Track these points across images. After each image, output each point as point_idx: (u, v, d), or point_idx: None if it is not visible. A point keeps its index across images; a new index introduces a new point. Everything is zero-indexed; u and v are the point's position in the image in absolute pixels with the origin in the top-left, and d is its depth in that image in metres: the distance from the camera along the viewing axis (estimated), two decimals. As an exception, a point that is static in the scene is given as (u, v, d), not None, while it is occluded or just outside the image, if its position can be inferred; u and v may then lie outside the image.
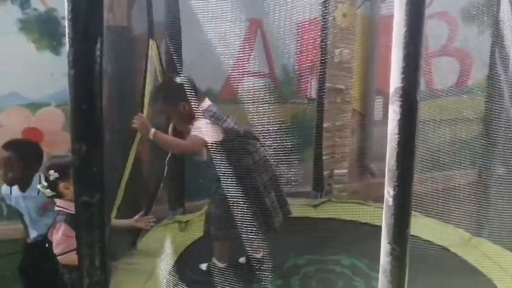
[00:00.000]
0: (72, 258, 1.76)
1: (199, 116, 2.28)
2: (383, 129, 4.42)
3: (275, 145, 4.09)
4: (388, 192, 1.02)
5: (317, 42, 3.85)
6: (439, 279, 2.07)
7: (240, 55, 3.89)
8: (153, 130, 2.22)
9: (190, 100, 2.24)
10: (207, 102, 2.46)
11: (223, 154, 2.32)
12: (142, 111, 2.64)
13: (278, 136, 4.08)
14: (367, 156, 4.44)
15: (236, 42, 3.80)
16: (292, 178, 4.29)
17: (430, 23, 4.20)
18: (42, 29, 3.24)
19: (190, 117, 2.32)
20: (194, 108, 2.26)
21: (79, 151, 1.48)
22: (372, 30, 4.07)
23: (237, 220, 2.19)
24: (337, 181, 3.90)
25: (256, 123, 4.01)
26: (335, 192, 3.77)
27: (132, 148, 2.72)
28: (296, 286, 2.12)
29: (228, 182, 2.29)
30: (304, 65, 4.07)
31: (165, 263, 2.18)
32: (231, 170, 2.31)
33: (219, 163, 2.37)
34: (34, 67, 3.23)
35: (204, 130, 2.26)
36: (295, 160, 4.21)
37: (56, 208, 1.84)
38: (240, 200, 2.25)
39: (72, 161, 1.74)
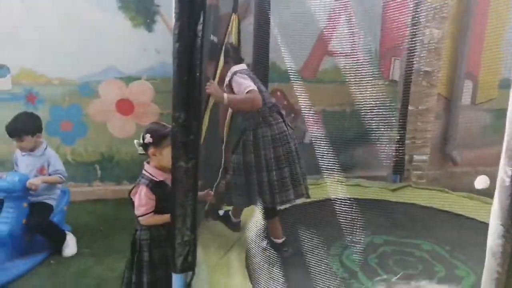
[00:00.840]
0: (151, 220, 1.95)
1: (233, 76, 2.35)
2: (470, 115, 4.17)
3: (352, 127, 4.06)
4: (506, 172, 0.95)
5: (404, 22, 3.70)
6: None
7: (324, 34, 3.88)
8: (225, 94, 2.30)
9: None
10: (242, 66, 2.49)
11: (246, 115, 2.40)
12: (214, 79, 2.71)
13: (356, 117, 4.05)
14: (450, 143, 4.23)
15: (321, 20, 3.79)
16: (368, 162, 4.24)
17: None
18: (138, 8, 3.46)
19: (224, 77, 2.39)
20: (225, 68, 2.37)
21: (178, 119, 1.60)
22: (466, 8, 3.80)
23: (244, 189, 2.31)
24: (416, 167, 3.77)
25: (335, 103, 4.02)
26: (413, 179, 3.65)
27: (206, 113, 2.81)
28: (373, 264, 2.12)
29: (241, 147, 2.38)
30: (387, 45, 3.96)
31: (251, 232, 2.29)
32: (246, 135, 2.38)
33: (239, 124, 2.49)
34: (129, 43, 3.48)
35: (246, 83, 2.27)
36: (372, 143, 4.17)
37: (143, 171, 1.99)
38: (248, 169, 2.31)
39: (170, 130, 1.91)
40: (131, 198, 1.98)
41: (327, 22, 3.77)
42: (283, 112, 2.59)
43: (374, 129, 4.13)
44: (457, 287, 1.92)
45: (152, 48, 3.53)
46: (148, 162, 2.01)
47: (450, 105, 4.12)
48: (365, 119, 4.05)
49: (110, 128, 3.65)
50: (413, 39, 3.11)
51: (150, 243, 1.97)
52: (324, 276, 1.97)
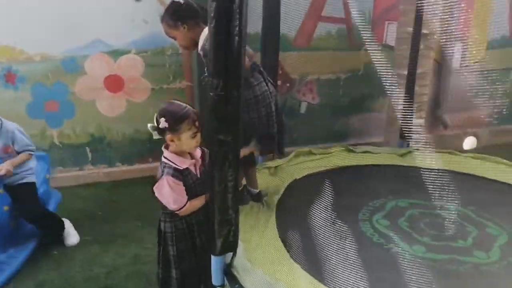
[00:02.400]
0: (190, 208, 1.75)
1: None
2: (460, 78, 4.18)
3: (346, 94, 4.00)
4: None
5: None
6: None
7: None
8: None
9: (191, 22, 2.09)
10: None
11: None
12: None
13: (351, 84, 4.01)
14: (442, 106, 4.27)
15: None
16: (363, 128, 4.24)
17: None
18: (123, -27, 3.20)
19: (192, 40, 2.18)
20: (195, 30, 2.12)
21: (217, 87, 1.46)
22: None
23: None
24: (414, 131, 3.78)
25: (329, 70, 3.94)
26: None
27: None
28: (405, 227, 2.10)
29: None
30: (381, 9, 3.89)
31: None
32: None
33: None
34: (115, 13, 3.22)
35: None
36: (366, 110, 4.16)
37: (162, 159, 1.76)
38: None
39: (187, 111, 1.70)
40: (153, 192, 1.77)
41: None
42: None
43: (370, 96, 4.14)
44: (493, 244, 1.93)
45: (140, 19, 3.28)
46: (166, 147, 1.77)
47: (441, 68, 4.14)
48: (360, 86, 4.05)
49: (99, 106, 3.42)
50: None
51: (176, 236, 1.80)
52: (361, 242, 1.93)
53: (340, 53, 3.87)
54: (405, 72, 3.67)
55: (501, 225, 2.11)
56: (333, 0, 3.71)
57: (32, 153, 2.59)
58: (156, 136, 1.72)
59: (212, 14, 1.38)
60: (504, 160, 2.86)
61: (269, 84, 2.24)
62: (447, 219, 2.07)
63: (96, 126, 3.47)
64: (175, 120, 1.68)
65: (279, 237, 1.98)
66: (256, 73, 2.21)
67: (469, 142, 4.32)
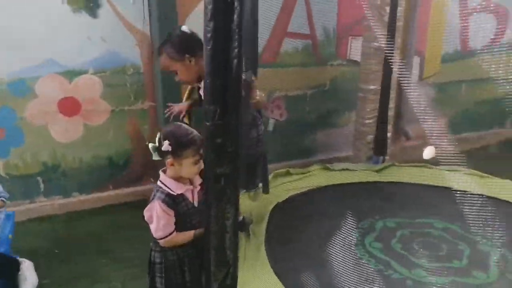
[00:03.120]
0: (174, 240, 1.63)
1: None
2: (419, 90, 4.26)
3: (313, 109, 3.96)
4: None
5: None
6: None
7: (281, 15, 3.68)
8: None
9: (200, 54, 1.94)
10: None
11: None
12: None
13: (317, 99, 3.98)
14: (403, 118, 4.36)
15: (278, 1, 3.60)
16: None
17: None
18: (78, -12, 2.94)
19: (197, 73, 2.04)
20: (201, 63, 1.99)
21: (213, 115, 1.31)
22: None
23: None
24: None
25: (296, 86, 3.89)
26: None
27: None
28: (399, 249, 2.04)
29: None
30: (344, 25, 3.90)
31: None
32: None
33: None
34: (69, 31, 2.94)
35: None
36: (333, 125, 4.15)
37: (158, 182, 1.66)
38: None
39: (194, 137, 1.60)
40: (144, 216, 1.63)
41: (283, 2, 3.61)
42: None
43: (336, 111, 4.13)
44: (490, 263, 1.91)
45: (98, 36, 3.03)
46: (164, 171, 1.65)
47: (401, 81, 4.22)
48: (326, 101, 4.03)
49: (52, 132, 3.10)
50: (392, 16, 3.06)
51: (165, 267, 1.66)
52: (361, 270, 1.84)
53: (306, 69, 3.83)
54: (371, 87, 3.71)
55: (490, 240, 2.11)
56: (298, 16, 3.67)
57: (4, 199, 2.37)
58: (156, 157, 1.63)
59: (209, 35, 1.23)
60: (476, 171, 2.92)
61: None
62: (437, 238, 2.03)
63: (49, 154, 3.14)
64: (180, 145, 1.59)
65: (272, 269, 1.84)
66: (256, 112, 2.12)
67: (428, 152, 4.44)
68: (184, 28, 1.99)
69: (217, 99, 1.30)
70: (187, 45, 1.95)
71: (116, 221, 3.08)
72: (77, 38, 2.98)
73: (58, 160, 3.18)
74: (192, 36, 1.97)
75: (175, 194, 1.61)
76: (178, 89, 3.12)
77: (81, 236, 2.98)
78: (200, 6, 3.25)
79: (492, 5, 4.17)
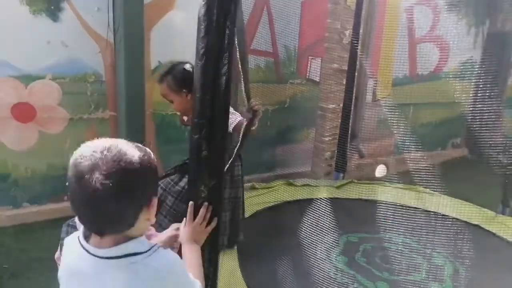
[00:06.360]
0: None
1: None
2: (371, 111, 4.53)
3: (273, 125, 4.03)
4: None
5: (321, 21, 3.82)
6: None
7: (246, 33, 3.75)
8: None
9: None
10: None
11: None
12: None
13: (277, 116, 4.07)
14: (357, 137, 4.56)
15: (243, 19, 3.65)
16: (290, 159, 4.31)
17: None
18: (39, -11, 2.82)
19: (190, 106, 2.08)
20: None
21: (201, 130, 1.32)
22: (369, 12, 4.11)
23: None
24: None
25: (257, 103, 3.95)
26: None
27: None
28: (363, 263, 2.13)
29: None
30: (305, 44, 4.04)
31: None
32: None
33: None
34: (27, 33, 2.81)
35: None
36: (293, 141, 4.25)
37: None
38: None
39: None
40: None
41: (248, 20, 3.69)
42: None
43: (295, 127, 4.24)
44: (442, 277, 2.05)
45: (58, 41, 2.92)
46: None
47: (356, 102, 4.43)
48: (286, 118, 4.13)
49: (3, 139, 2.92)
50: (355, 39, 3.22)
51: None
52: (328, 284, 1.89)
53: (268, 86, 3.91)
54: (330, 106, 3.86)
55: (443, 254, 2.25)
56: (262, 34, 3.75)
57: None
58: None
59: (202, 51, 1.25)
60: (426, 189, 3.12)
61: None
62: (396, 252, 2.15)
63: (0, 162, 2.95)
64: None
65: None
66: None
67: (380, 170, 4.68)
68: (188, 66, 2.09)
69: (205, 113, 1.31)
70: (186, 81, 2.01)
71: (71, 234, 2.93)
72: (36, 41, 2.85)
73: (9, 169, 2.98)
74: (191, 75, 2.00)
75: None
76: (142, 100, 3.08)
77: (33, 250, 2.79)
78: (167, 17, 3.25)
79: (435, 36, 4.52)
